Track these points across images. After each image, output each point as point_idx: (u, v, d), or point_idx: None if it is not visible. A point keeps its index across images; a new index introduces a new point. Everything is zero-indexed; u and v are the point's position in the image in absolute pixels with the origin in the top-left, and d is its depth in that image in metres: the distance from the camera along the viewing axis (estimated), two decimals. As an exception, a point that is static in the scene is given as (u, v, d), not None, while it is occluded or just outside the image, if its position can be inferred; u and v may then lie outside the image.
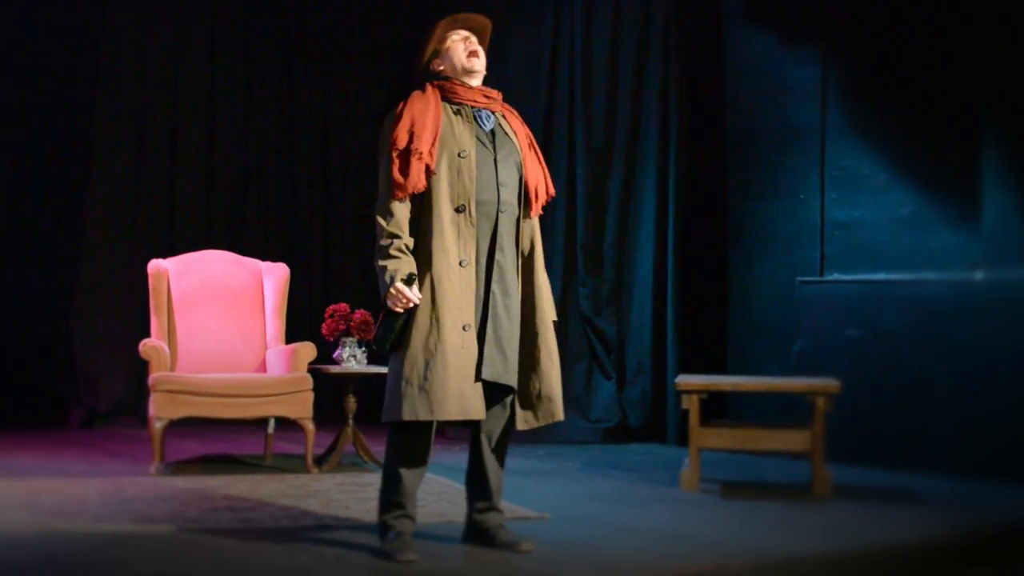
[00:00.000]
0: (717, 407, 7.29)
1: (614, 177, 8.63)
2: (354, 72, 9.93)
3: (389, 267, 4.33)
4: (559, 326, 8.46)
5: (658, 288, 8.37)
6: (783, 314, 7.81)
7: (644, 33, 8.56)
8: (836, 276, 7.57)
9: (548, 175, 4.72)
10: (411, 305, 4.33)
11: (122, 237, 9.19)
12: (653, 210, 8.42)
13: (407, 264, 4.35)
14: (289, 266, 7.47)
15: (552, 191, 4.72)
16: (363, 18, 9.96)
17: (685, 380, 6.21)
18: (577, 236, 8.70)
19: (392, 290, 4.30)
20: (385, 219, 4.40)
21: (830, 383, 6.05)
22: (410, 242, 4.41)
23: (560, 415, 4.60)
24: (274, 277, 7.35)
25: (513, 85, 9.07)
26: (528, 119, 8.76)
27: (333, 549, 4.56)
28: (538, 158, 4.69)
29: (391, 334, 4.37)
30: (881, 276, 7.33)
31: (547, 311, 4.61)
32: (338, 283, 9.74)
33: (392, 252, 4.35)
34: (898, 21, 7.37)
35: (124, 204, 9.24)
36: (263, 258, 7.62)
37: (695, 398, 6.07)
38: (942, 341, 6.97)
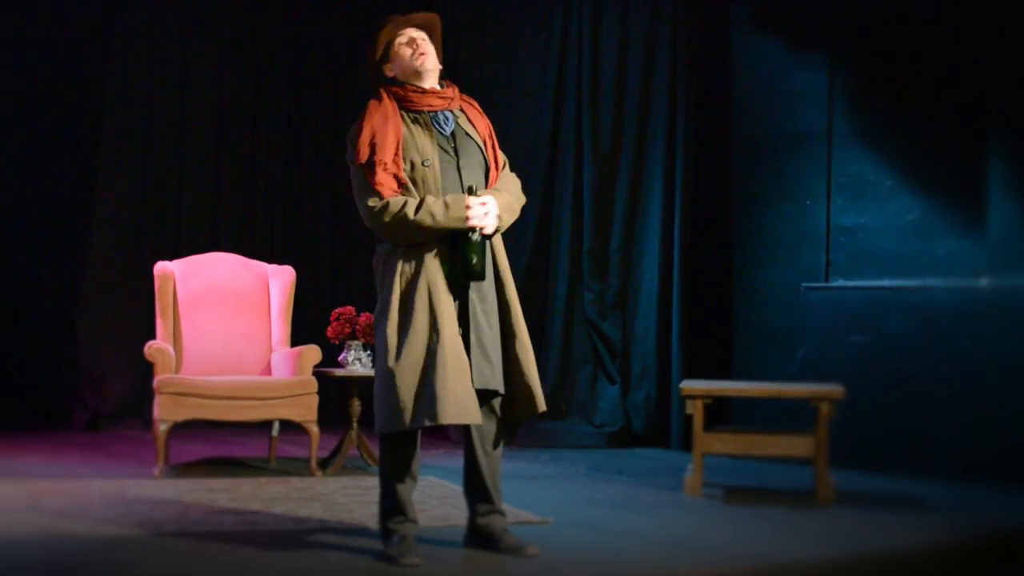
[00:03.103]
0: (721, 412, 7.30)
1: (621, 182, 8.63)
2: (362, 77, 9.91)
3: (438, 204, 4.36)
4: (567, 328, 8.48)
5: (663, 293, 8.37)
6: (788, 320, 7.80)
7: (651, 38, 8.55)
8: (841, 282, 7.57)
9: (500, 166, 4.66)
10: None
11: (128, 239, 9.20)
12: (659, 215, 8.42)
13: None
14: (295, 269, 7.48)
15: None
16: (370, 20, 9.96)
17: (690, 385, 6.21)
18: (583, 241, 8.70)
19: (469, 207, 4.36)
20: (380, 199, 4.38)
21: (834, 389, 6.05)
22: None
23: (542, 406, 4.61)
24: (280, 280, 7.36)
25: (520, 90, 9.10)
26: (535, 124, 8.91)
27: (337, 552, 4.57)
28: (495, 151, 4.64)
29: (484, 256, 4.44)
30: (886, 282, 7.33)
31: (517, 305, 4.61)
32: (344, 286, 9.74)
33: (423, 203, 4.36)
34: (905, 27, 7.37)
35: (130, 206, 9.24)
36: (269, 261, 7.62)
37: (699, 403, 6.07)
38: (947, 348, 6.96)
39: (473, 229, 4.39)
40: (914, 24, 7.32)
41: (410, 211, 4.36)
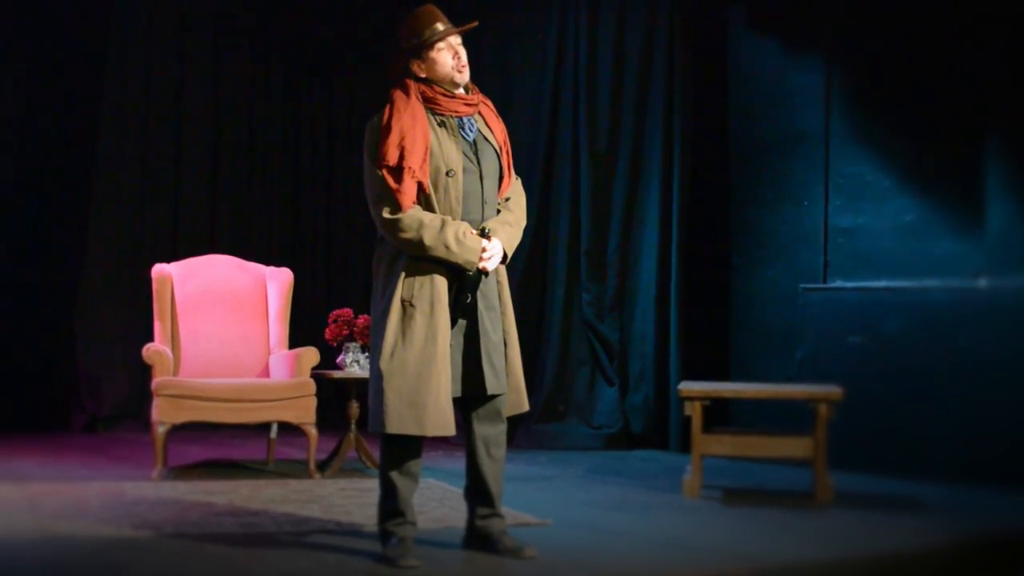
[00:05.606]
0: (719, 414, 7.29)
1: (618, 183, 8.62)
2: (357, 78, 9.93)
3: (453, 236, 4.33)
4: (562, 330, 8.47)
5: (661, 294, 8.36)
6: (786, 321, 7.80)
7: (648, 39, 8.54)
8: (839, 283, 7.56)
9: (513, 175, 4.68)
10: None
11: (126, 241, 9.20)
12: (657, 216, 8.41)
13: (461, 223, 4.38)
14: (293, 271, 7.47)
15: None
16: (366, 23, 9.96)
17: (688, 387, 6.21)
18: (580, 242, 8.69)
19: (484, 250, 4.37)
20: (397, 211, 4.33)
21: (833, 390, 6.05)
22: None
23: (526, 405, 4.66)
24: (278, 282, 7.36)
25: (517, 90, 9.10)
26: (532, 124, 8.91)
27: (335, 554, 4.57)
28: (509, 157, 4.65)
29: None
30: (884, 283, 7.33)
31: (511, 307, 4.63)
32: (341, 288, 9.74)
33: (441, 230, 4.32)
34: (902, 28, 7.37)
35: (128, 208, 9.24)
36: (267, 263, 7.62)
37: (698, 405, 6.07)
38: (945, 348, 6.96)
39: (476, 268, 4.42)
40: (911, 24, 7.32)
41: (426, 237, 4.31)
